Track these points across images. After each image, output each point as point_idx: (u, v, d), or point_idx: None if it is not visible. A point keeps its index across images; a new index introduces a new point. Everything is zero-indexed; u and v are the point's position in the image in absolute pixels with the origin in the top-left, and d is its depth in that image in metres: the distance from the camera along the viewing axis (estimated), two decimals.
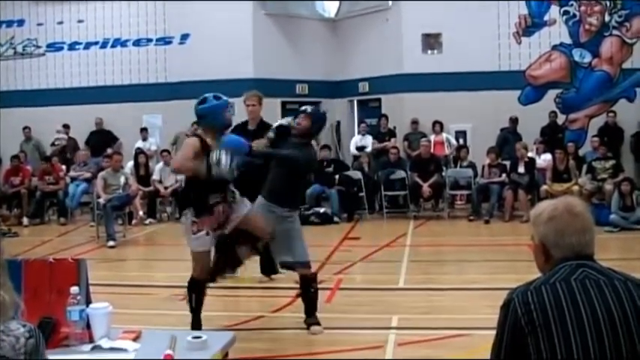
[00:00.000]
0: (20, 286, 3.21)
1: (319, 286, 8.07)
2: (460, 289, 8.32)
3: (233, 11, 17.54)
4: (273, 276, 8.55)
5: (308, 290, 6.69)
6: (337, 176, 15.14)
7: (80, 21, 18.78)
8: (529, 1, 17.37)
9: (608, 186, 13.64)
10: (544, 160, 15.01)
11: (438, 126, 16.64)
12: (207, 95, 6.19)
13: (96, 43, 18.74)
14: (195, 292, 6.29)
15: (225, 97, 6.18)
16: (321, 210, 14.60)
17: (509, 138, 16.05)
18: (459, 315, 7.00)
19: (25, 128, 17.79)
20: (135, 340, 3.37)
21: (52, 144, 17.60)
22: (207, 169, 5.88)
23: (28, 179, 15.64)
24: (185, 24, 18.07)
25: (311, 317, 6.62)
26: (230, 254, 6.42)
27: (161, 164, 15.47)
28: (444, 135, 16.69)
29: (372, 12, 18.28)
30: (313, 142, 7.27)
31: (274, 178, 6.63)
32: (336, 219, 14.53)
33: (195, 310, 6.29)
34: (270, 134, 6.70)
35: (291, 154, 6.50)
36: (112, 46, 18.67)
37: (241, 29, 17.74)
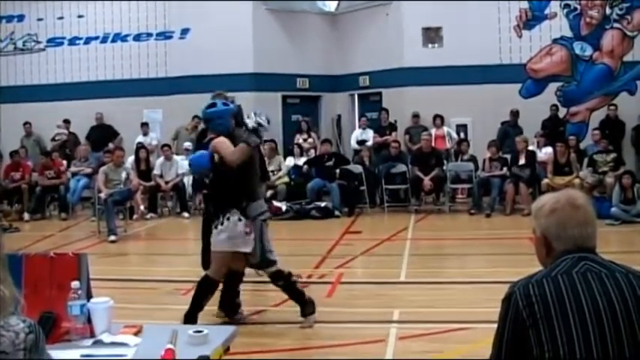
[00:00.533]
0: (21, 281, 3.20)
1: (321, 280, 8.09)
2: (461, 282, 8.33)
3: (233, 6, 17.52)
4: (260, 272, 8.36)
5: (278, 287, 6.68)
6: (338, 170, 15.13)
7: (80, 16, 18.76)
8: None
9: (609, 179, 13.64)
10: (545, 153, 15.01)
11: (439, 120, 16.63)
12: (216, 100, 6.55)
13: (96, 38, 18.72)
14: (210, 291, 6.42)
15: (232, 105, 6.44)
16: (322, 204, 14.61)
17: (509, 131, 16.02)
18: (460, 308, 7.00)
19: (25, 124, 17.77)
20: (136, 334, 3.36)
21: (53, 139, 17.59)
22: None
23: (29, 174, 15.64)
24: (185, 19, 18.04)
25: (302, 310, 6.58)
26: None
27: (162, 159, 15.45)
28: (445, 129, 16.67)
29: (373, 6, 18.26)
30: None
31: None
32: (337, 213, 14.51)
33: (199, 307, 6.34)
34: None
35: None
36: (113, 41, 18.65)
37: (242, 24, 17.72)
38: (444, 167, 15.17)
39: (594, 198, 12.71)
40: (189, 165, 7.28)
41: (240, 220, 6.24)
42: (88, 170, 15.54)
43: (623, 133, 16.38)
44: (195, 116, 17.05)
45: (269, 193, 14.82)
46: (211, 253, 6.54)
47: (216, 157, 6.31)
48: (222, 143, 6.28)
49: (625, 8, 16.94)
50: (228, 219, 6.26)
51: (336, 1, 19.26)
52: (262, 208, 6.57)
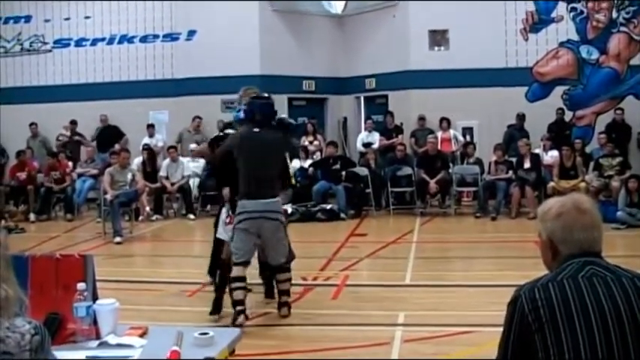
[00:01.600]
0: (26, 282, 3.21)
1: (326, 282, 8.09)
2: (466, 285, 8.31)
3: (240, 7, 17.51)
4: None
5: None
6: (344, 173, 15.12)
7: (87, 17, 18.77)
8: None
9: (615, 183, 13.60)
10: (551, 156, 14.98)
11: (445, 122, 16.62)
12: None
13: (103, 39, 18.73)
14: (226, 272, 6.78)
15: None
16: (328, 206, 14.60)
17: (515, 135, 15.98)
18: (465, 312, 6.99)
19: (31, 124, 17.80)
20: (141, 336, 3.37)
21: (57, 139, 17.64)
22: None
23: (34, 173, 15.67)
24: (192, 20, 18.04)
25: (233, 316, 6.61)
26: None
27: (168, 160, 15.46)
28: (451, 131, 16.65)
29: (379, 8, 18.25)
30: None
31: None
32: (342, 215, 14.51)
33: (223, 287, 6.80)
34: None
35: None
36: (119, 43, 18.65)
37: (248, 25, 17.70)
38: (450, 170, 15.15)
39: (600, 202, 12.70)
40: None
41: (228, 210, 6.95)
42: (94, 171, 15.58)
43: (629, 137, 16.34)
44: (197, 117, 17.11)
45: None
46: None
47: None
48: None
49: (632, 12, 16.90)
50: (222, 207, 7.19)
51: (343, 2, 19.25)
52: (246, 208, 6.63)
